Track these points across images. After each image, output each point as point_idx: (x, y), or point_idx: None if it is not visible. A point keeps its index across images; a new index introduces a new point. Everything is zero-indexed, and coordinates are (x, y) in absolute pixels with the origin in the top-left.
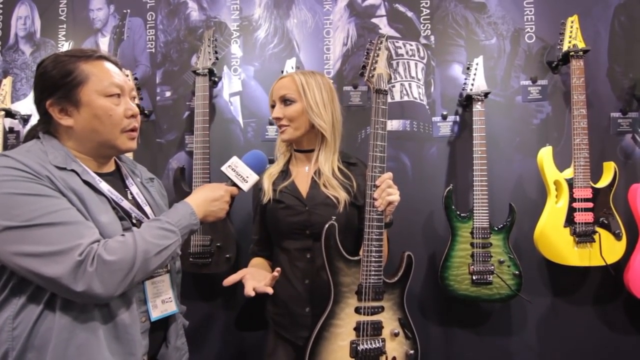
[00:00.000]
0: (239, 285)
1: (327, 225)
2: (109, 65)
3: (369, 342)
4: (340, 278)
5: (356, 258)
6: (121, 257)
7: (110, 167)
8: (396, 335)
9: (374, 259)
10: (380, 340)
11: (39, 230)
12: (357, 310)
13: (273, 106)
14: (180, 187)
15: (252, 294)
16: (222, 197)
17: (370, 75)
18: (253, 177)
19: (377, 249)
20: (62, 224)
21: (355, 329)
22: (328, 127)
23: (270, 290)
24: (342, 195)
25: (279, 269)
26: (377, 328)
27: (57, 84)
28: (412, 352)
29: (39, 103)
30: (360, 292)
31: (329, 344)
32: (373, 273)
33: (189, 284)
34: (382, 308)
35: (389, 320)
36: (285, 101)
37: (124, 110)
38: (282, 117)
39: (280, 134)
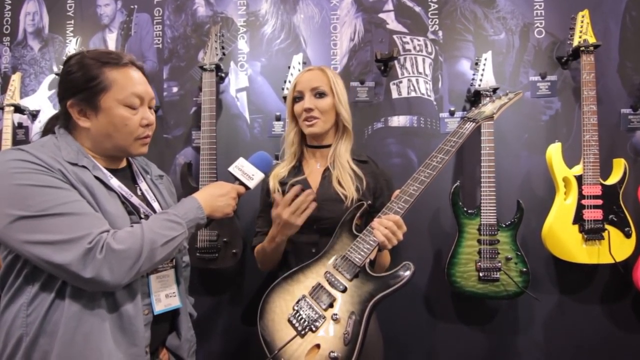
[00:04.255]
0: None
1: (361, 203)
2: (134, 73)
3: (311, 306)
4: (337, 244)
5: (356, 234)
6: (129, 246)
7: (122, 164)
8: (334, 320)
9: (369, 239)
10: (321, 316)
11: (51, 220)
12: (325, 274)
13: (297, 98)
14: (187, 183)
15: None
16: (228, 193)
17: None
18: (259, 175)
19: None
20: (73, 215)
21: (313, 287)
22: (350, 120)
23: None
24: (352, 192)
25: (310, 190)
26: (326, 302)
27: (79, 86)
28: (335, 354)
29: (60, 100)
30: (338, 260)
31: (287, 286)
32: (359, 251)
33: (195, 279)
34: (345, 289)
35: (342, 305)
36: (318, 94)
37: (140, 119)
38: (314, 109)
39: (309, 127)
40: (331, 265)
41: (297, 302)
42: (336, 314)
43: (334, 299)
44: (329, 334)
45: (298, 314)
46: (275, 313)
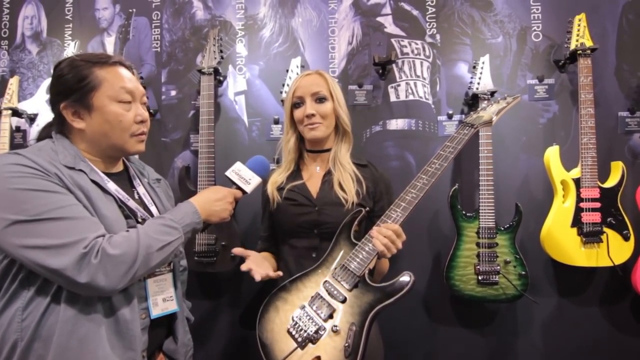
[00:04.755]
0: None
1: (359, 210)
2: (122, 71)
3: (311, 317)
4: (335, 252)
5: (355, 242)
6: (124, 251)
7: (118, 167)
8: (335, 332)
9: (368, 248)
10: (320, 327)
11: (46, 224)
12: (324, 284)
13: (297, 103)
14: (185, 186)
15: (244, 268)
16: (224, 198)
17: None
18: (255, 180)
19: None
20: (69, 219)
21: (312, 297)
22: (349, 122)
23: (257, 277)
24: (351, 197)
25: (280, 273)
26: (326, 312)
27: (71, 88)
28: None
29: (54, 105)
30: (337, 269)
31: (287, 296)
32: (358, 260)
33: (193, 283)
34: (344, 299)
35: (342, 316)
36: (318, 98)
37: (134, 116)
38: (315, 114)
39: (311, 131)
40: (330, 274)
41: (296, 313)
42: (336, 326)
43: (334, 310)
44: (330, 346)
45: (297, 324)
46: (275, 323)
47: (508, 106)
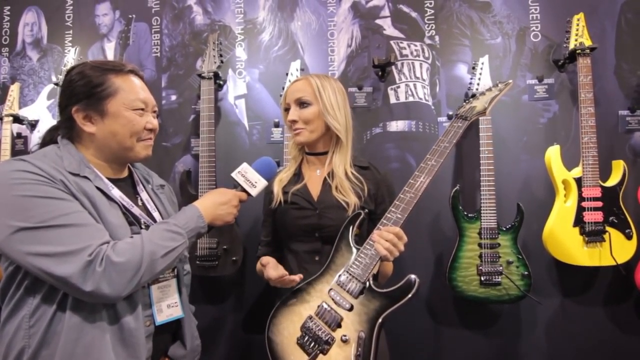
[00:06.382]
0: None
1: (358, 212)
2: (136, 80)
3: (320, 327)
4: (337, 259)
5: (356, 247)
6: (129, 258)
7: (123, 173)
8: (344, 342)
9: (371, 253)
10: (330, 337)
11: (52, 231)
12: (329, 293)
13: (287, 109)
14: (186, 190)
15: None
16: (229, 201)
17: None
18: (262, 183)
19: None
20: (74, 226)
21: (318, 306)
22: (343, 129)
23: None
24: (353, 200)
25: (300, 275)
26: (333, 322)
27: (86, 92)
28: None
29: (64, 108)
30: (340, 276)
31: (293, 307)
32: (361, 266)
33: (195, 287)
34: (351, 307)
35: (350, 325)
36: (302, 104)
37: (145, 122)
38: (297, 120)
39: (295, 136)
40: (335, 282)
41: (304, 324)
42: (345, 335)
43: (341, 319)
44: (340, 356)
45: (307, 336)
46: (284, 336)
47: (501, 93)
